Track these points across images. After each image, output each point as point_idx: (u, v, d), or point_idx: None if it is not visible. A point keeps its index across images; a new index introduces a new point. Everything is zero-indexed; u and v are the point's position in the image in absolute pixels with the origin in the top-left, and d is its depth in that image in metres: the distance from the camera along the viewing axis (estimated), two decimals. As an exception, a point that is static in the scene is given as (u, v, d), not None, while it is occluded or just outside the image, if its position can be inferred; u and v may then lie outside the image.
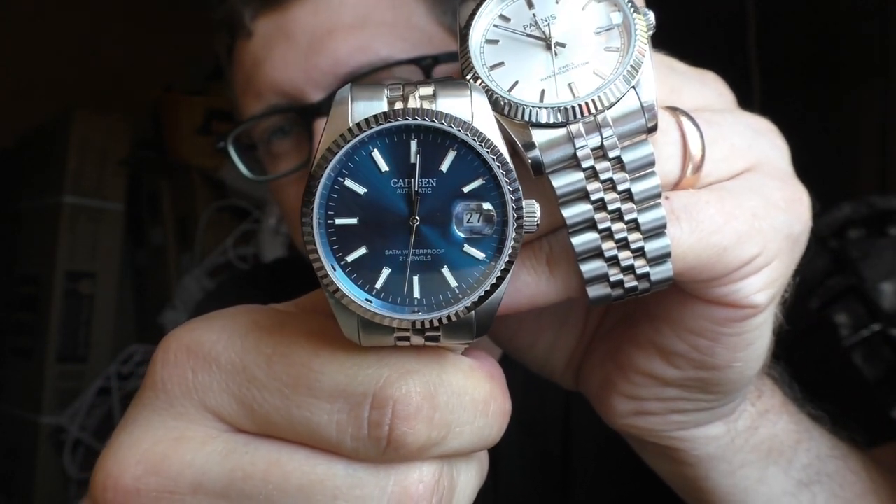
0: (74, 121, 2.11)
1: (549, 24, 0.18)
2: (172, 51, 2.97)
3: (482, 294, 0.21)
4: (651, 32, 0.19)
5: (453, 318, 0.22)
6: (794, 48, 1.61)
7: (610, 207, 0.18)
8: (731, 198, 0.21)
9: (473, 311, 0.22)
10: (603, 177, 0.18)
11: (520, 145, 0.18)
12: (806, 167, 1.35)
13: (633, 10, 0.19)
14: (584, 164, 0.18)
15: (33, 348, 2.12)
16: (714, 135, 0.22)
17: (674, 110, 0.22)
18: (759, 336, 0.22)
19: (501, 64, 0.18)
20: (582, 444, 0.49)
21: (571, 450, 0.49)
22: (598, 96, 0.17)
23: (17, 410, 2.15)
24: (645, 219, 0.18)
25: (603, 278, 0.19)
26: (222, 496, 0.21)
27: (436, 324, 0.22)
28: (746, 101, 1.09)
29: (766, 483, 0.29)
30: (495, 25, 0.18)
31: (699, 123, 0.21)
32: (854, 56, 1.51)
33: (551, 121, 0.18)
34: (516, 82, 0.18)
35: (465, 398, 0.22)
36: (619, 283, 0.20)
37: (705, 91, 0.25)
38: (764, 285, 0.21)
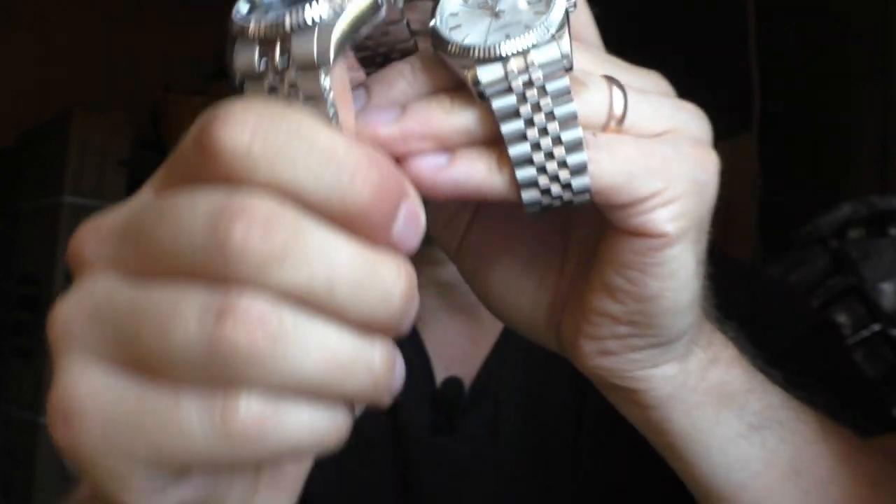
0: (74, 121, 2.11)
1: (495, 1, 0.24)
2: (172, 51, 2.97)
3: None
4: (572, 3, 0.24)
5: (298, 23, 0.21)
6: (795, 47, 1.61)
7: (537, 125, 0.23)
8: (647, 143, 0.25)
9: (316, 25, 0.21)
10: (531, 101, 0.23)
11: (469, 79, 0.23)
12: (806, 167, 1.35)
13: None
14: (516, 90, 0.23)
15: (33, 348, 2.12)
16: (639, 98, 0.26)
17: (604, 77, 0.26)
18: (680, 266, 0.26)
19: (458, 26, 0.24)
20: (590, 415, 0.52)
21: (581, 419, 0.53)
22: (526, 39, 0.23)
23: (17, 410, 2.15)
24: (566, 136, 0.23)
25: (534, 184, 0.24)
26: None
27: (284, 29, 0.22)
28: (746, 100, 1.08)
29: (721, 425, 0.32)
30: (457, 7, 0.25)
31: (626, 91, 0.26)
32: (854, 55, 1.51)
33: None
34: (467, 35, 0.24)
35: (311, 142, 0.21)
36: (548, 191, 0.24)
37: (642, 78, 0.28)
38: (673, 217, 0.25)
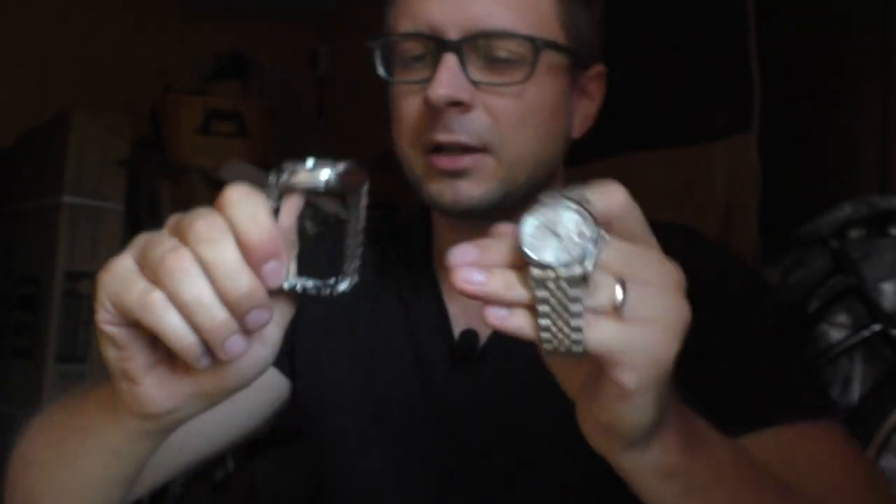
0: (74, 121, 2.11)
1: (556, 225, 0.36)
2: (172, 51, 2.97)
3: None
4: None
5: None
6: (795, 47, 1.61)
7: (555, 307, 0.35)
8: (629, 329, 0.35)
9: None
10: (555, 294, 0.34)
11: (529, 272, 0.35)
12: (807, 167, 1.35)
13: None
14: (549, 287, 0.34)
15: (32, 348, 2.12)
16: (638, 293, 0.35)
17: (614, 277, 0.35)
18: (635, 406, 0.37)
19: (534, 244, 0.36)
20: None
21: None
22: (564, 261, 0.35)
23: (16, 410, 2.15)
24: (573, 321, 0.34)
25: (550, 340, 0.35)
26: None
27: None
28: (746, 100, 1.08)
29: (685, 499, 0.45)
30: (533, 230, 0.37)
31: (628, 288, 0.35)
32: (855, 55, 1.51)
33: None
34: (538, 249, 0.36)
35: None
36: (558, 344, 0.35)
37: (651, 271, 0.37)
38: (634, 379, 0.35)
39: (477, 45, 0.57)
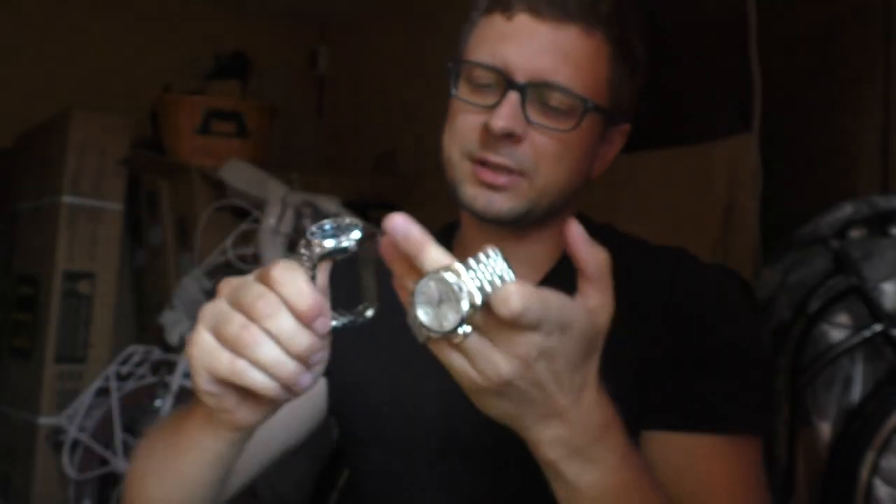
0: (73, 120, 2.10)
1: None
2: (172, 51, 2.97)
3: None
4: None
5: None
6: (796, 46, 1.60)
7: None
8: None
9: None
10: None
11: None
12: (808, 166, 1.34)
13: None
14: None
15: (32, 349, 2.12)
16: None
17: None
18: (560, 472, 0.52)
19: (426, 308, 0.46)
20: None
21: None
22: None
23: (16, 411, 2.15)
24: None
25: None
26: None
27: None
28: (747, 99, 1.08)
29: None
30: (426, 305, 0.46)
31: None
32: (856, 54, 1.51)
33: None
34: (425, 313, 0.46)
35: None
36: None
37: (553, 340, 0.47)
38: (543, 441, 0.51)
39: (538, 91, 0.68)
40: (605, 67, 0.70)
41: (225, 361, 0.48)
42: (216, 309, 0.49)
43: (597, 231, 0.78)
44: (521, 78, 0.67)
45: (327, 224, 0.48)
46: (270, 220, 1.83)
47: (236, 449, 0.58)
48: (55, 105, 2.22)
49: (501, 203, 0.69)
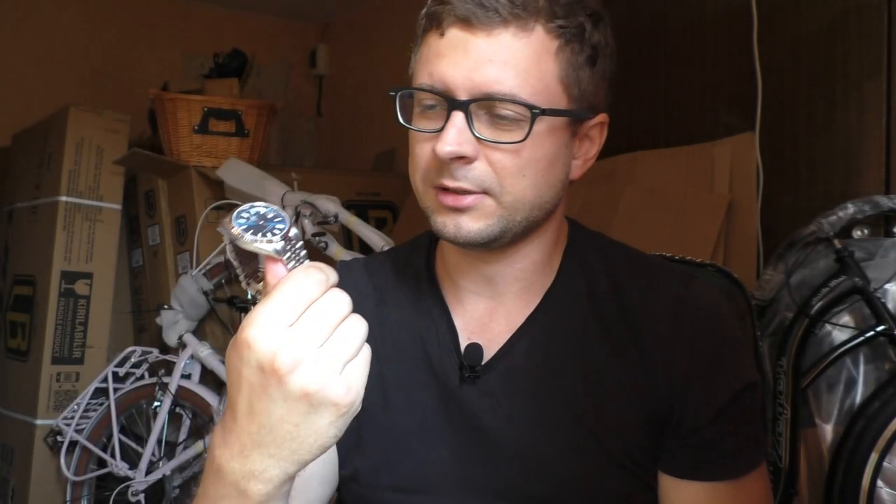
0: (71, 120, 2.09)
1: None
2: (172, 50, 2.96)
3: None
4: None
5: None
6: (798, 45, 1.60)
7: None
8: None
9: None
10: None
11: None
12: (810, 166, 1.33)
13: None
14: None
15: (29, 349, 2.11)
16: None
17: None
18: None
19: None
20: None
21: None
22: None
23: (13, 412, 2.14)
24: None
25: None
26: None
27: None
28: (750, 99, 1.06)
29: None
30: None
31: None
32: (858, 53, 1.50)
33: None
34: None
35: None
36: None
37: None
38: None
39: (483, 105, 0.65)
40: (552, 64, 0.65)
41: None
42: None
43: (587, 240, 0.76)
44: (462, 95, 0.64)
45: (251, 212, 0.50)
46: (269, 220, 1.82)
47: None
48: (53, 104, 2.21)
49: (469, 225, 0.66)
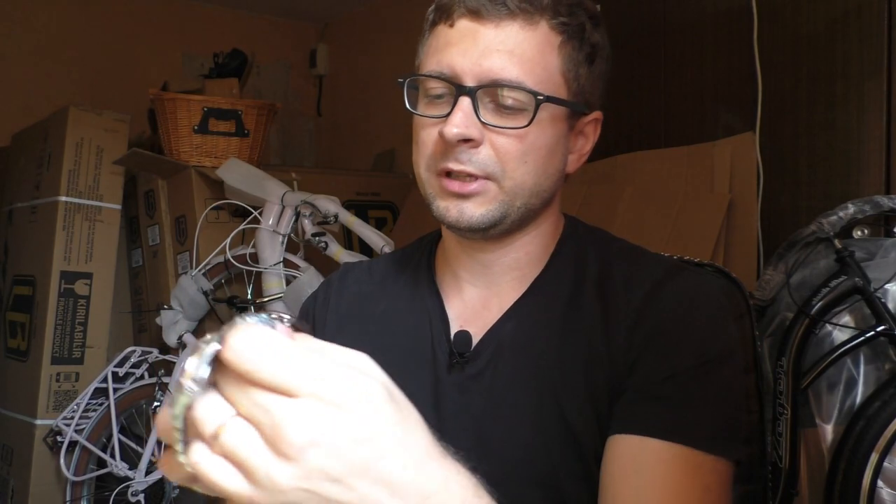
0: (70, 120, 2.09)
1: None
2: (171, 50, 2.96)
3: None
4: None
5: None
6: (798, 45, 1.60)
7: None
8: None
9: None
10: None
11: None
12: (810, 166, 1.33)
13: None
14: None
15: (29, 349, 2.11)
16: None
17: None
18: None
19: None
20: None
21: None
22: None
23: (13, 412, 2.14)
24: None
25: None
26: None
27: None
28: (750, 99, 1.07)
29: None
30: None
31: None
32: (858, 54, 1.50)
33: None
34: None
35: None
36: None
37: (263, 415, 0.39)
38: None
39: (489, 92, 0.68)
40: (555, 57, 0.69)
41: None
42: None
43: (586, 235, 0.77)
44: (469, 82, 0.67)
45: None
46: (269, 220, 1.82)
47: None
48: (53, 104, 2.21)
49: (472, 210, 0.69)
